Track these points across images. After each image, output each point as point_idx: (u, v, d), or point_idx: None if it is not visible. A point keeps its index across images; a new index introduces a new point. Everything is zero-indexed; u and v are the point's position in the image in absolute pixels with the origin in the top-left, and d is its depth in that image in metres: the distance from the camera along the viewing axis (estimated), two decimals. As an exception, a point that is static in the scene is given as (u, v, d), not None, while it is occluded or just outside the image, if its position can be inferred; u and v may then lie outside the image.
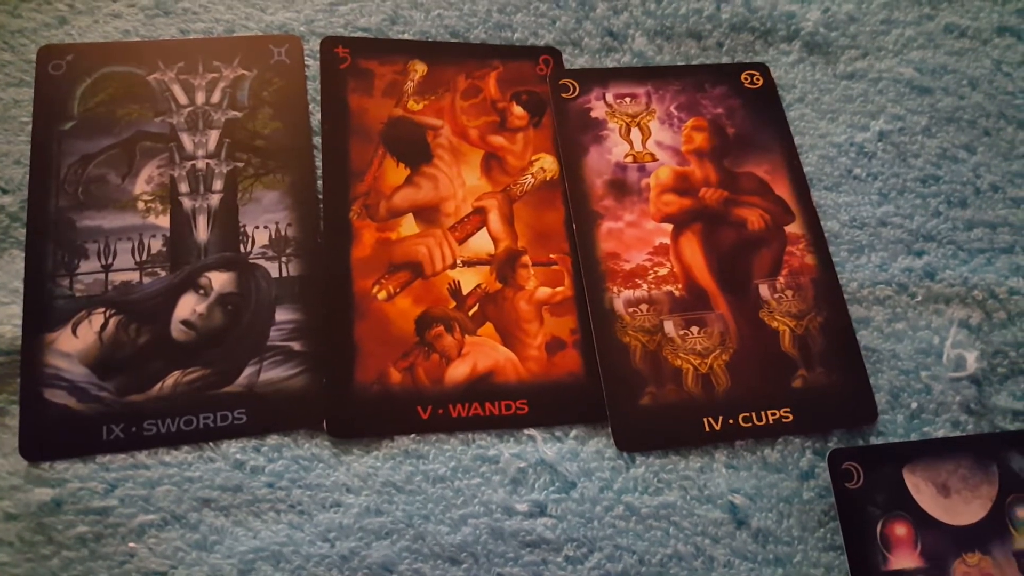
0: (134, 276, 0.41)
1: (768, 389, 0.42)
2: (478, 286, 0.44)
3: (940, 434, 0.42)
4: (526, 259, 0.45)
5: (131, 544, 0.36)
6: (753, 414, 0.41)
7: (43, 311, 0.40)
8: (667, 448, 0.41)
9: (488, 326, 0.43)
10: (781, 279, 0.45)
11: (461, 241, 0.45)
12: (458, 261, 0.44)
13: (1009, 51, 0.53)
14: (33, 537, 0.36)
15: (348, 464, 0.39)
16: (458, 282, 0.44)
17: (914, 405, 0.43)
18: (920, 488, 0.40)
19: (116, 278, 0.41)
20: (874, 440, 0.42)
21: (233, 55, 0.47)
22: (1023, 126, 0.51)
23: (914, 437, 0.42)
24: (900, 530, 0.39)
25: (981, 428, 0.42)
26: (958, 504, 0.39)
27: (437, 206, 0.45)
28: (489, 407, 0.41)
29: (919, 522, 0.39)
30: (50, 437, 0.38)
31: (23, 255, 0.41)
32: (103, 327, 0.40)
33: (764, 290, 0.45)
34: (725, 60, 0.52)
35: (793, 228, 0.47)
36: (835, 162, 0.49)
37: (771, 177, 0.48)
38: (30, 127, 0.44)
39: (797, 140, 0.49)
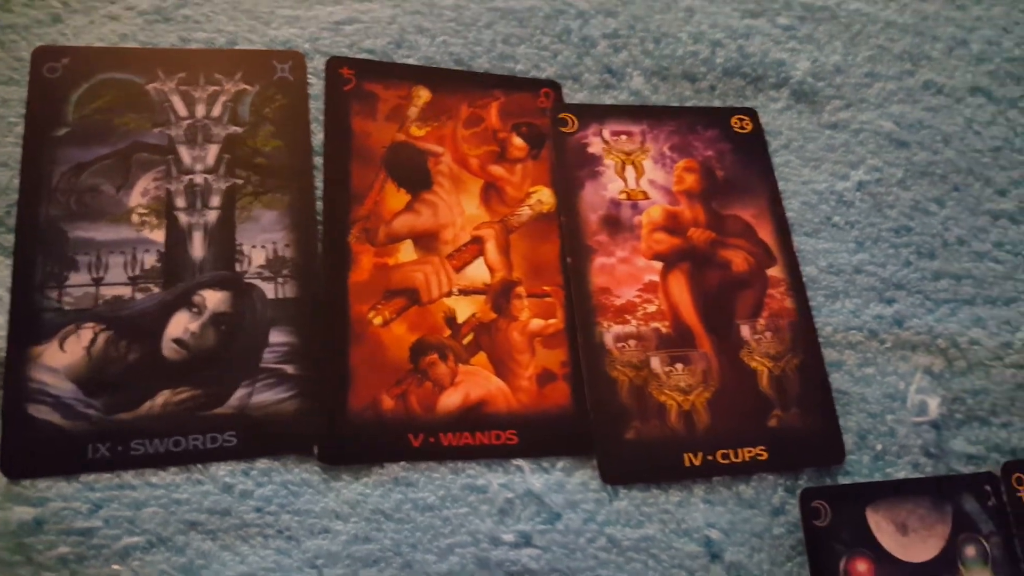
0: (126, 291, 0.40)
1: (745, 427, 0.44)
2: (473, 315, 0.44)
3: (901, 475, 0.44)
4: (521, 290, 0.45)
5: (115, 566, 0.36)
6: (731, 451, 0.43)
7: (30, 323, 0.39)
8: (649, 482, 0.42)
9: (481, 355, 0.43)
10: (762, 320, 0.47)
11: (458, 269, 0.45)
12: (455, 289, 0.45)
13: (980, 110, 0.56)
14: (12, 557, 0.35)
15: (338, 490, 0.39)
16: (454, 310, 0.44)
17: (879, 447, 0.45)
18: (881, 527, 0.42)
19: (107, 292, 0.40)
20: (841, 479, 0.44)
21: (235, 69, 0.46)
22: (989, 183, 0.54)
23: (877, 477, 0.44)
24: (861, 567, 0.41)
25: (938, 470, 0.44)
26: (915, 542, 0.42)
27: (436, 233, 0.46)
28: (480, 436, 0.41)
29: (879, 559, 0.41)
30: (33, 454, 0.37)
31: (10, 263, 0.40)
32: (92, 342, 0.39)
33: (745, 331, 0.47)
34: (717, 103, 0.53)
35: (774, 272, 0.49)
36: (816, 209, 0.51)
37: (756, 221, 0.50)
38: (19, 128, 0.43)
39: (781, 185, 0.51)
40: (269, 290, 0.42)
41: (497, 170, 0.48)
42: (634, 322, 0.45)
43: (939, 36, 0.58)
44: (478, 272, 0.45)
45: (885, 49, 0.57)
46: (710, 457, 0.43)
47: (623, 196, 0.49)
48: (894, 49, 0.57)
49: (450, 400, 0.42)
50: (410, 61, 0.50)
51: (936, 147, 0.54)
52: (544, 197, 0.48)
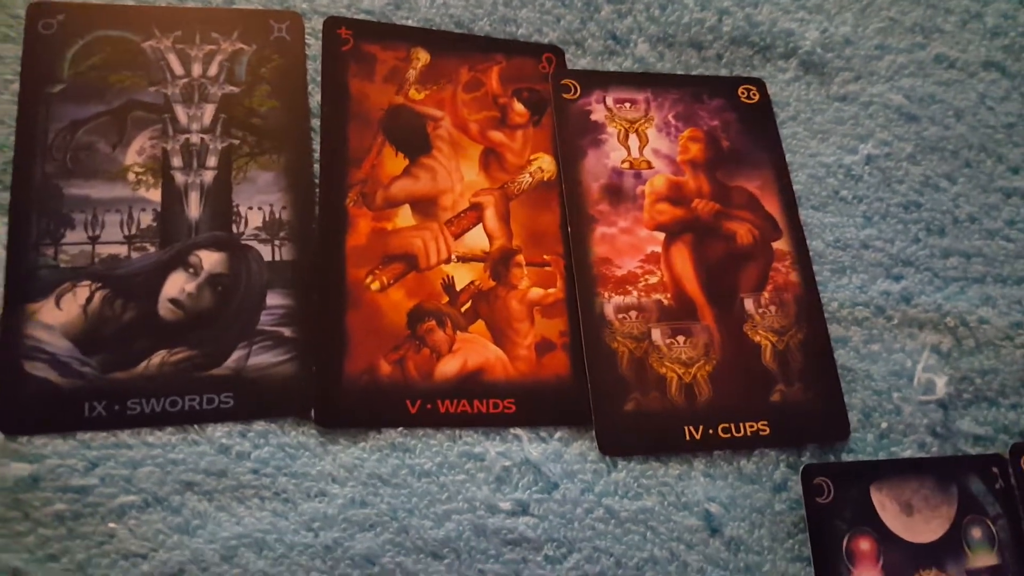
0: (122, 250, 0.40)
1: (747, 402, 0.43)
2: (472, 283, 0.44)
3: (907, 454, 0.44)
4: (520, 258, 0.45)
5: (111, 524, 0.36)
6: (732, 425, 0.43)
7: (26, 280, 0.39)
8: (648, 454, 0.42)
9: (480, 323, 0.43)
10: (766, 294, 0.46)
11: (457, 236, 0.45)
12: (453, 256, 0.44)
13: (993, 85, 0.55)
14: (8, 513, 0.35)
15: (334, 454, 0.39)
16: (452, 277, 0.44)
17: (884, 425, 0.44)
18: (885, 506, 0.41)
19: (103, 251, 0.40)
20: (845, 456, 0.43)
21: (232, 28, 0.46)
22: (1002, 160, 0.53)
23: (882, 456, 0.43)
24: (864, 545, 0.40)
25: (944, 451, 0.44)
26: (919, 523, 0.41)
27: (434, 199, 0.45)
28: (477, 404, 0.41)
29: (882, 538, 0.40)
30: (29, 411, 0.37)
31: (5, 220, 0.40)
32: (88, 301, 0.39)
33: (749, 304, 0.46)
34: (723, 72, 0.52)
35: (780, 245, 0.48)
36: (823, 182, 0.50)
37: (761, 193, 0.49)
38: (14, 85, 0.42)
39: (788, 158, 0.50)
40: (266, 252, 0.42)
41: (497, 136, 0.48)
42: (635, 293, 0.45)
43: (952, 9, 0.57)
44: (477, 239, 0.45)
45: (896, 21, 0.56)
46: (711, 431, 0.42)
47: (626, 165, 0.48)
48: (906, 21, 0.56)
49: (448, 367, 0.42)
50: (409, 22, 0.49)
51: (948, 122, 0.53)
52: (545, 165, 0.47)
